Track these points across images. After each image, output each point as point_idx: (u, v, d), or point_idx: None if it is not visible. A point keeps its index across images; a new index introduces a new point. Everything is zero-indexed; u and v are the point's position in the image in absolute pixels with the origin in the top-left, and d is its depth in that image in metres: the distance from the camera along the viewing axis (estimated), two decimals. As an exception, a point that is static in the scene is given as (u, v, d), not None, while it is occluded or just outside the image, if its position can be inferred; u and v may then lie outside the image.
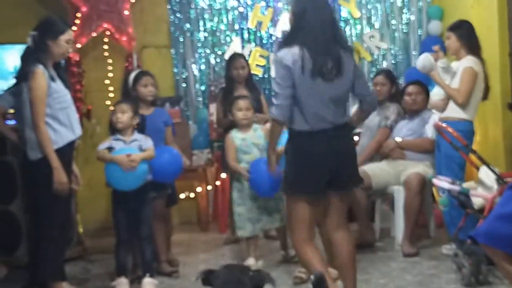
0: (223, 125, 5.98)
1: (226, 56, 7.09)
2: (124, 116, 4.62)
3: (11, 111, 4.79)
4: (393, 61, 7.35)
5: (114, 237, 4.75)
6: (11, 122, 4.91)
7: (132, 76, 5.09)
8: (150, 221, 4.74)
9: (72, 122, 4.40)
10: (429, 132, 5.45)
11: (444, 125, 4.81)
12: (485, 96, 5.15)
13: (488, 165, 4.48)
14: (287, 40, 3.68)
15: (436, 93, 5.63)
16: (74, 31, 6.50)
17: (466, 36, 5.10)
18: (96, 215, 6.61)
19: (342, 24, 7.31)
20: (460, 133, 4.76)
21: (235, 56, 6.17)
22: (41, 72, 4.21)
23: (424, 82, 5.72)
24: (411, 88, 5.69)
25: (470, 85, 4.99)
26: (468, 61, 5.04)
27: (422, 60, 5.16)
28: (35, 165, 4.27)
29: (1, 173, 5.30)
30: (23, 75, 4.29)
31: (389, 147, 5.64)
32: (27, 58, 4.33)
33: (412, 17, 7.33)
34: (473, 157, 4.76)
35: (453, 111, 5.08)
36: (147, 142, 4.66)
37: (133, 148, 4.58)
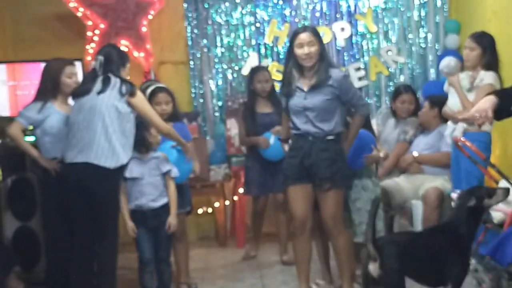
0: (245, 144, 5.95)
1: (244, 71, 7.13)
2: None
3: (30, 127, 4.84)
4: (410, 76, 7.33)
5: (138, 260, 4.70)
6: (31, 138, 4.96)
7: (148, 92, 5.02)
8: (170, 241, 4.71)
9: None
10: (447, 146, 5.41)
11: (462, 139, 4.76)
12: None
13: (507, 179, 4.44)
14: None
15: (452, 104, 5.45)
16: (92, 48, 6.62)
17: (489, 47, 4.98)
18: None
19: (358, 38, 7.32)
20: (479, 143, 4.71)
21: (258, 68, 6.08)
22: None
23: (440, 95, 5.68)
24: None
25: None
26: (490, 77, 4.91)
27: (448, 60, 5.06)
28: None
29: (20, 189, 5.34)
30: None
31: (406, 162, 5.62)
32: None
33: (429, 32, 7.31)
34: (492, 170, 4.72)
35: (472, 123, 5.01)
36: (165, 164, 4.66)
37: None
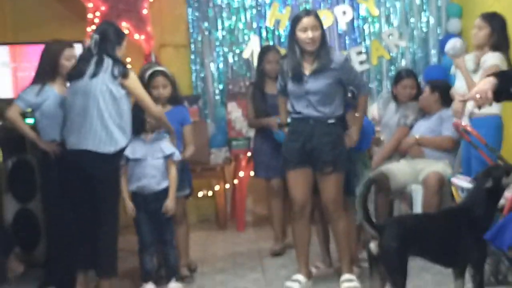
0: (254, 126, 5.91)
1: (245, 54, 7.11)
2: None
3: (29, 110, 4.84)
4: (411, 60, 7.31)
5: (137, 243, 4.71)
6: (31, 121, 4.96)
7: (146, 75, 4.97)
8: (171, 224, 4.71)
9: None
10: (448, 130, 5.39)
11: (463, 123, 4.74)
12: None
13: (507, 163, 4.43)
14: None
15: (459, 87, 5.37)
16: (93, 30, 6.60)
17: (499, 29, 4.88)
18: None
19: (360, 22, 7.29)
20: (489, 129, 4.67)
21: (268, 48, 5.98)
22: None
23: (441, 79, 5.66)
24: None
25: None
26: (495, 58, 4.81)
27: (453, 42, 4.99)
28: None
29: (20, 172, 5.35)
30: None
31: (408, 144, 5.61)
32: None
33: (431, 16, 7.28)
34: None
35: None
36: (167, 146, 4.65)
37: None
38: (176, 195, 4.71)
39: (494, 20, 4.93)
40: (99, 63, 4.40)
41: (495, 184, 3.66)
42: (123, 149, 4.45)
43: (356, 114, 4.63)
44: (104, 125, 4.35)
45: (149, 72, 4.93)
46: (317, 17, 4.46)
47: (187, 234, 5.16)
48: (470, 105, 4.86)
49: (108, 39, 4.48)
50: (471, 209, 3.69)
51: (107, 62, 4.41)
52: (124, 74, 4.39)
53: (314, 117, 4.45)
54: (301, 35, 4.41)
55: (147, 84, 4.86)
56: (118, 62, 4.44)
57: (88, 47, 4.54)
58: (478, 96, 3.19)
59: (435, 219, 3.87)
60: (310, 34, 4.38)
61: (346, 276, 4.54)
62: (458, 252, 3.64)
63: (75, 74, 4.49)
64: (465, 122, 4.89)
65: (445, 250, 3.66)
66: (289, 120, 4.71)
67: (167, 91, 4.90)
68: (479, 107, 3.22)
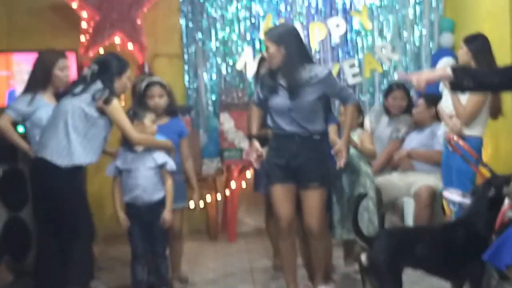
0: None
1: (238, 66, 7.12)
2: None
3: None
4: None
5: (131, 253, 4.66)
6: (20, 129, 4.96)
7: (143, 85, 4.97)
8: (164, 236, 4.67)
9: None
10: (440, 145, 5.42)
11: (455, 138, 4.77)
12: (494, 116, 5.04)
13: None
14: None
15: (445, 106, 5.45)
16: (87, 40, 6.60)
17: (480, 50, 4.94)
18: (104, 223, 6.60)
19: (353, 35, 7.33)
20: (471, 147, 4.73)
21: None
22: None
23: (435, 93, 5.68)
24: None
25: (477, 107, 4.85)
26: None
27: (446, 61, 5.07)
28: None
29: (12, 180, 5.33)
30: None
31: (399, 156, 5.64)
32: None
33: (424, 30, 7.32)
34: (484, 170, 4.73)
35: (462, 127, 5.00)
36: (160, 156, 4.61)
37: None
38: (175, 206, 4.70)
39: (473, 41, 4.96)
40: (88, 86, 4.40)
41: (497, 193, 3.71)
42: (78, 168, 4.42)
43: (345, 125, 4.56)
44: (66, 135, 4.33)
45: (144, 83, 4.93)
46: (272, 37, 4.34)
47: (182, 248, 5.14)
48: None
49: (107, 71, 4.46)
50: (472, 221, 3.72)
51: (96, 86, 4.40)
52: (106, 100, 4.35)
53: (299, 134, 4.36)
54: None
55: (143, 94, 4.85)
56: (106, 89, 4.40)
57: (84, 75, 4.51)
58: (415, 81, 3.55)
59: (435, 230, 3.89)
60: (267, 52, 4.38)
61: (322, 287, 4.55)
62: (456, 265, 3.66)
63: (63, 94, 4.55)
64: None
65: (442, 263, 3.68)
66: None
67: (163, 101, 4.88)
68: (416, 89, 3.67)
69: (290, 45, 4.33)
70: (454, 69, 3.53)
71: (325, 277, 4.62)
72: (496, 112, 4.98)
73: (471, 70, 4.10)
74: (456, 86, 3.55)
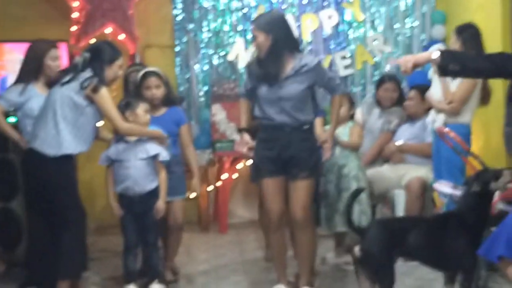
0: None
1: (230, 57, 7.11)
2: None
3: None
4: (395, 65, 7.34)
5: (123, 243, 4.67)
6: (12, 120, 4.94)
7: (139, 76, 4.91)
8: (156, 227, 4.65)
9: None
10: (431, 137, 5.44)
11: (446, 129, 4.79)
12: (485, 101, 5.11)
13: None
14: None
15: (434, 93, 5.46)
16: (77, 29, 6.57)
17: (469, 40, 4.98)
18: (96, 214, 6.60)
19: (345, 26, 7.33)
20: (459, 135, 4.74)
21: None
22: None
23: (427, 85, 5.69)
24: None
25: (467, 93, 4.91)
26: None
27: (437, 48, 5.07)
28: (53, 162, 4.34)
29: (2, 170, 5.31)
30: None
31: (390, 150, 5.65)
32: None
33: (416, 21, 7.33)
34: (474, 161, 4.74)
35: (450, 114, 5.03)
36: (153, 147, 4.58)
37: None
38: (176, 199, 4.76)
39: (463, 31, 5.02)
40: (77, 75, 4.37)
41: (483, 188, 3.69)
42: (69, 157, 4.39)
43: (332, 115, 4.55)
44: (55, 125, 4.31)
45: (141, 73, 4.90)
46: (259, 26, 4.31)
47: (179, 240, 5.10)
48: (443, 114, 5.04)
49: (99, 58, 4.41)
50: (463, 213, 3.72)
51: (85, 74, 4.37)
52: (94, 88, 4.31)
53: (289, 124, 4.32)
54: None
55: (139, 85, 4.83)
56: (95, 77, 4.36)
57: (75, 63, 4.46)
58: (402, 63, 3.56)
59: (428, 222, 3.90)
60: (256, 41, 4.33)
61: None
62: (449, 256, 3.67)
63: (53, 82, 4.51)
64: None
65: (435, 253, 3.69)
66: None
67: (160, 92, 4.84)
68: (404, 72, 3.59)
69: (279, 33, 4.30)
70: (442, 52, 3.51)
71: (310, 277, 4.49)
72: (484, 98, 5.06)
73: (458, 54, 4.11)
74: (443, 69, 3.50)
